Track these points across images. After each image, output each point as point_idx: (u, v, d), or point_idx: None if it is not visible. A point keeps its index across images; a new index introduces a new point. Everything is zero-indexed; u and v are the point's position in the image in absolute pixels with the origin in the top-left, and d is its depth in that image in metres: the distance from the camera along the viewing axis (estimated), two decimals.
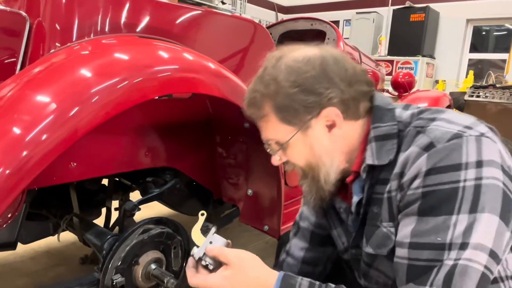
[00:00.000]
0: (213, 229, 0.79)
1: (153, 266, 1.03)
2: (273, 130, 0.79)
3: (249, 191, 1.39)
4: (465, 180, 0.63)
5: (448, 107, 2.63)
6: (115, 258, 0.96)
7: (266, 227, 1.39)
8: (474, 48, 6.77)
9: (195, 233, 0.79)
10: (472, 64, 6.45)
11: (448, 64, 6.23)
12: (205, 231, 0.80)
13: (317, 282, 0.74)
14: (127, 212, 1.18)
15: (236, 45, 1.36)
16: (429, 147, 0.67)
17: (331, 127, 0.77)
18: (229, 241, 0.80)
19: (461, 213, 0.63)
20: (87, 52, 0.91)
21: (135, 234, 1.00)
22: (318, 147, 0.78)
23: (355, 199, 0.80)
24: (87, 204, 1.46)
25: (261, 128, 0.82)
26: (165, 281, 0.99)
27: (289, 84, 0.74)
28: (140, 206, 1.18)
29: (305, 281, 0.74)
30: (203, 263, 0.76)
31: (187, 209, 1.49)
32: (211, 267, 0.76)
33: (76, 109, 0.78)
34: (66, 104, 0.77)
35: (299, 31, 2.36)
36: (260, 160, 1.34)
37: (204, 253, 0.76)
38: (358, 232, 0.82)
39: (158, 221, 1.07)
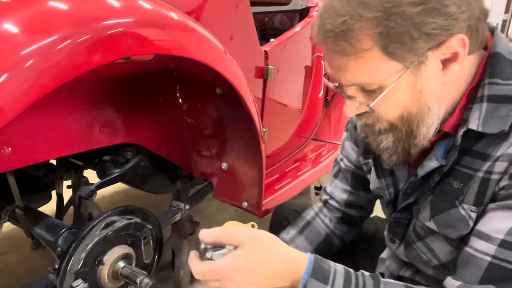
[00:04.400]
0: None
1: (121, 264, 0.87)
2: (368, 70, 0.57)
3: (224, 165, 1.24)
4: None
5: None
6: (73, 261, 0.79)
7: (245, 204, 1.25)
8: None
9: None
10: None
11: None
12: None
13: (352, 270, 0.63)
14: (83, 199, 0.99)
15: None
16: None
17: (448, 62, 0.58)
18: None
19: None
20: None
21: (96, 230, 0.82)
22: (429, 90, 0.59)
23: (433, 164, 0.64)
24: (33, 189, 1.25)
25: (342, 68, 0.59)
26: (138, 281, 0.83)
27: (407, 1, 0.52)
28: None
29: (340, 266, 0.63)
30: (208, 255, 0.61)
31: (153, 187, 1.31)
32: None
33: (2, 78, 0.56)
34: None
35: None
36: (235, 130, 1.17)
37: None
38: (419, 199, 0.69)
39: (123, 211, 0.89)
